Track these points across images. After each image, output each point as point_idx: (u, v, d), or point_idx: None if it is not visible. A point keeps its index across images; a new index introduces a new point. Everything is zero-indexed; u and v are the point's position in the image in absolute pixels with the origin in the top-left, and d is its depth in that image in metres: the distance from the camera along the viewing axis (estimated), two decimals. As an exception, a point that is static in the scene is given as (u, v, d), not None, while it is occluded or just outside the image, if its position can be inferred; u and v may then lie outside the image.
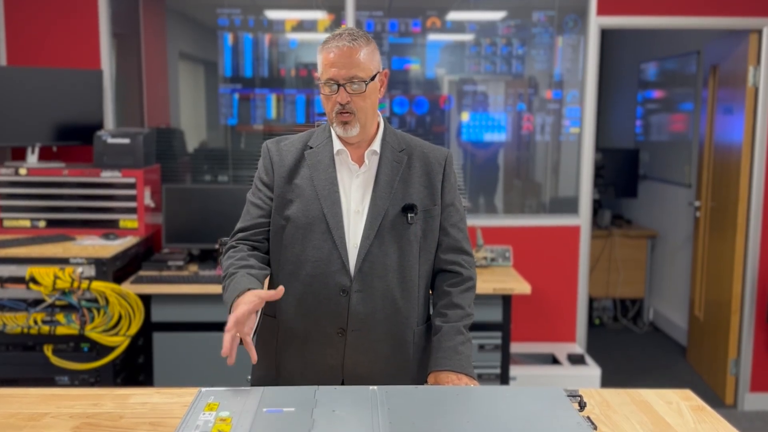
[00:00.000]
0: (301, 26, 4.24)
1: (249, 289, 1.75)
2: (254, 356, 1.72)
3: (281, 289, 1.74)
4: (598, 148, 5.47)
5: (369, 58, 1.85)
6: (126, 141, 3.78)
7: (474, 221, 4.12)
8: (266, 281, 1.95)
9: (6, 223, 3.78)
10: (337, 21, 4.18)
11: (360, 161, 1.93)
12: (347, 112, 1.85)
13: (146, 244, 3.91)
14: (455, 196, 2.00)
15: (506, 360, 3.69)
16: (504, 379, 3.70)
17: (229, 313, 1.73)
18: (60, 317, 3.36)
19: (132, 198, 3.78)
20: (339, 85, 1.83)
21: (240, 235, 1.98)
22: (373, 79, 1.86)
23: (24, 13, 4.05)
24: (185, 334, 3.51)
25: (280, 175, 1.94)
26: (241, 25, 4.20)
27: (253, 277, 1.82)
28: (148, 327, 3.51)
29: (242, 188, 3.83)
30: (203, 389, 1.62)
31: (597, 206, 5.87)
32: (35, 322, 3.35)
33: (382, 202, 1.90)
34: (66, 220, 3.80)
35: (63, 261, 3.38)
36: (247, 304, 1.69)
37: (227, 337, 1.66)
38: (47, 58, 4.05)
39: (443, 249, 1.99)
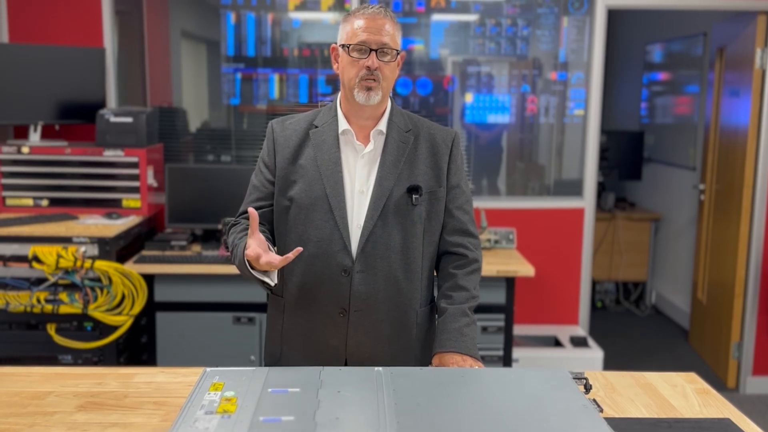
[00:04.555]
0: (305, 5, 4.19)
1: None
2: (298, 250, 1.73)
3: (252, 211, 1.74)
4: (603, 130, 5.44)
5: (397, 33, 1.89)
6: (129, 120, 3.76)
7: (477, 203, 4.10)
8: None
9: (8, 202, 3.77)
10: (341, 0, 4.14)
11: (366, 141, 1.92)
12: (373, 78, 1.84)
13: (149, 224, 3.90)
14: (461, 178, 1.99)
15: (509, 342, 3.69)
16: (507, 361, 3.70)
17: (250, 267, 1.79)
18: (63, 296, 3.36)
19: (135, 177, 3.76)
20: (371, 50, 1.83)
21: (242, 216, 2.02)
22: (399, 53, 1.88)
23: (25, -10, 4.02)
24: (188, 314, 3.50)
25: (283, 156, 1.94)
26: (243, 3, 4.16)
27: None
28: (151, 306, 3.51)
29: (245, 168, 3.82)
30: (208, 369, 1.61)
31: (601, 189, 5.85)
32: (38, 300, 3.35)
33: (387, 183, 1.89)
34: (69, 198, 3.79)
35: (66, 240, 3.37)
36: (251, 245, 1.73)
37: (268, 260, 1.71)
38: (50, 35, 4.02)
39: (448, 231, 1.98)
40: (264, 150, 1.99)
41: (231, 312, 3.50)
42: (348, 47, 1.85)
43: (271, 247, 1.82)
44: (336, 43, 1.92)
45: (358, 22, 1.84)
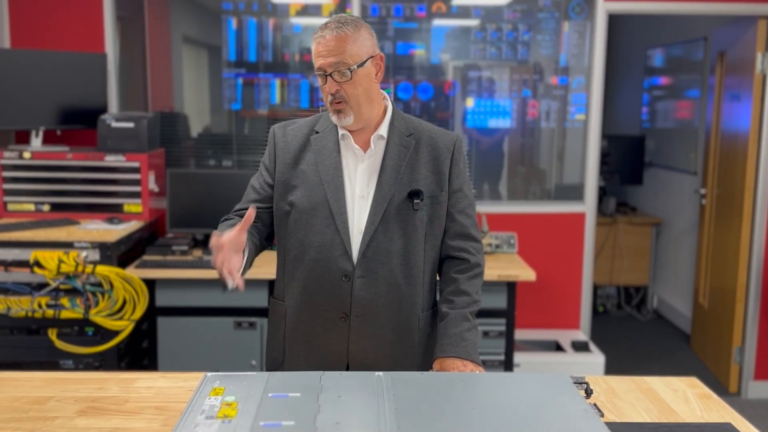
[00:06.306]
0: (306, 11, 4.21)
1: None
2: (242, 285, 1.71)
3: (251, 209, 1.74)
4: (604, 134, 5.44)
5: (357, 45, 1.83)
6: (130, 125, 3.77)
7: (479, 208, 4.08)
8: (257, 247, 1.98)
9: (10, 207, 3.78)
10: (342, 5, 4.15)
11: (366, 146, 1.92)
12: (338, 101, 1.84)
13: (150, 229, 3.90)
14: (464, 182, 1.98)
15: (510, 347, 3.69)
16: (508, 365, 3.70)
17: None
18: (64, 301, 3.36)
19: (136, 182, 3.77)
20: (326, 75, 1.82)
21: (235, 213, 2.02)
22: (362, 65, 1.83)
23: (27, -4, 4.03)
24: (189, 318, 3.51)
25: (284, 160, 1.94)
26: (245, 9, 4.17)
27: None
28: (152, 311, 3.51)
29: (246, 173, 3.82)
30: (209, 374, 1.61)
31: (602, 193, 5.85)
32: (39, 305, 3.35)
33: (387, 188, 1.89)
34: (70, 204, 3.79)
35: (67, 245, 3.37)
36: (227, 234, 1.71)
37: (215, 259, 1.70)
38: (51, 41, 4.03)
39: (450, 235, 1.98)
40: (266, 154, 2.00)
41: (232, 317, 3.50)
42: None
43: (248, 249, 1.80)
44: None
45: (317, 47, 1.83)
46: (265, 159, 2.00)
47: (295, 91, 4.26)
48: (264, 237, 2.02)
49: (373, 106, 1.91)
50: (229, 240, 1.70)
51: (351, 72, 1.81)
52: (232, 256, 1.71)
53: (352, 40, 1.82)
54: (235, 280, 1.70)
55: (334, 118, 1.88)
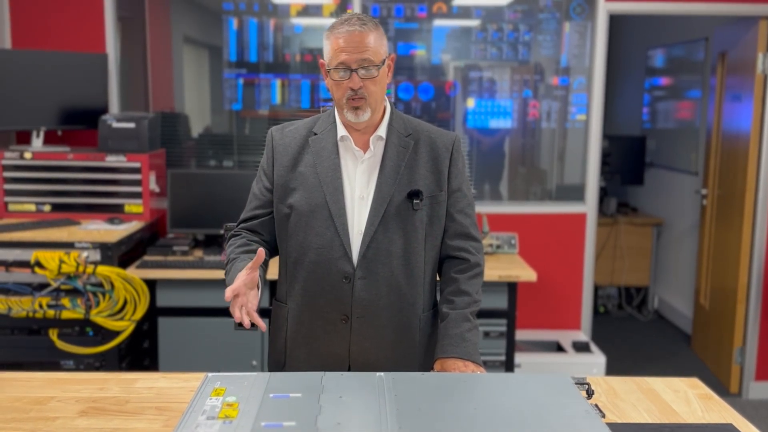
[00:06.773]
0: (307, 11, 4.21)
1: None
2: (263, 326, 1.73)
3: (261, 251, 1.73)
4: (605, 135, 5.44)
5: (378, 43, 1.83)
6: (131, 125, 3.77)
7: (479, 208, 4.09)
8: (268, 266, 1.97)
9: (11, 207, 3.78)
10: (343, 6, 4.15)
11: (365, 147, 1.92)
12: (359, 98, 1.82)
13: (151, 229, 3.90)
14: (463, 182, 1.98)
15: (511, 347, 3.69)
16: (509, 366, 3.70)
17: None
18: (65, 301, 3.36)
19: (137, 183, 3.77)
20: (351, 71, 1.80)
21: (242, 225, 2.02)
22: (383, 63, 1.84)
23: (28, -4, 4.03)
24: (190, 319, 3.51)
25: (282, 163, 1.94)
26: (246, 9, 4.17)
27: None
28: (153, 312, 3.51)
29: (247, 174, 3.82)
30: (210, 374, 1.61)
31: (603, 194, 5.84)
32: (40, 306, 3.35)
33: (387, 188, 1.89)
34: (71, 204, 3.79)
35: (68, 245, 3.37)
36: (239, 278, 1.72)
37: (233, 310, 1.72)
38: (52, 41, 4.03)
39: (450, 235, 1.98)
40: (264, 158, 1.99)
41: (233, 317, 3.49)
42: (329, 69, 1.83)
43: (260, 280, 1.80)
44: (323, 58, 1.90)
45: (337, 41, 1.81)
46: (263, 163, 1.99)
47: (296, 92, 4.26)
48: (272, 248, 2.02)
49: (382, 105, 1.92)
50: (243, 283, 1.71)
51: (378, 69, 1.82)
52: (249, 295, 1.73)
53: (374, 37, 1.83)
54: (255, 322, 1.71)
55: (350, 115, 1.85)
